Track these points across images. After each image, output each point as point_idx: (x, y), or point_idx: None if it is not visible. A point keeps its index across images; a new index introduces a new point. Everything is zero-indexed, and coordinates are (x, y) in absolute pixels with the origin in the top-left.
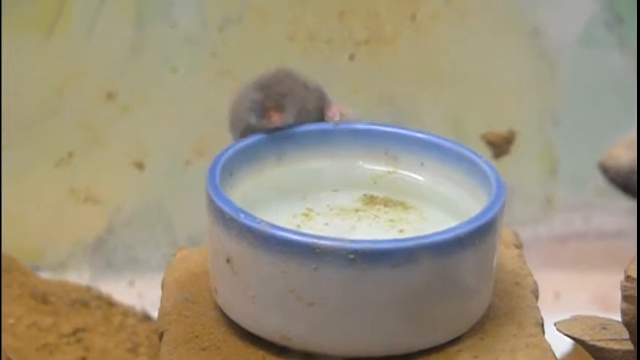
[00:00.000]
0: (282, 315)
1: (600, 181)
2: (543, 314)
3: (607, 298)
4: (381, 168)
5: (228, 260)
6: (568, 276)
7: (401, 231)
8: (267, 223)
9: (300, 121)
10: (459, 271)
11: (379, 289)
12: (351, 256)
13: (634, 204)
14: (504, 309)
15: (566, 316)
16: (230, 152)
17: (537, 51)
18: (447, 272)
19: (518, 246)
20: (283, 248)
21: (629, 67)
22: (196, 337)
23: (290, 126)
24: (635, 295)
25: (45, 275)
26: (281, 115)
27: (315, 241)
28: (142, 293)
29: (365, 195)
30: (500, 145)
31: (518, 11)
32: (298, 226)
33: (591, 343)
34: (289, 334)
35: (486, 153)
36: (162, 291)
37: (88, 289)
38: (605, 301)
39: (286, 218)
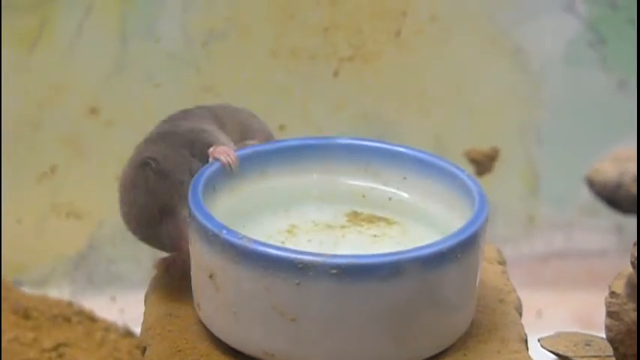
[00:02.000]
0: (265, 330)
1: (582, 199)
2: (525, 332)
3: (588, 316)
4: (364, 183)
5: (210, 276)
6: (550, 294)
7: (384, 246)
8: (250, 239)
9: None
10: (442, 286)
11: (362, 304)
12: (334, 271)
13: (615, 222)
14: (488, 325)
15: (549, 333)
16: (213, 167)
17: (520, 69)
18: (430, 287)
19: (502, 262)
20: (266, 264)
21: (612, 85)
22: (179, 351)
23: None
24: (619, 311)
25: (27, 290)
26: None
27: (298, 256)
28: (123, 309)
29: (348, 210)
30: (483, 163)
31: (502, 29)
32: (282, 242)
33: (575, 359)
34: (272, 349)
35: (469, 170)
36: (145, 306)
37: (70, 304)
38: (586, 318)
39: (269, 234)
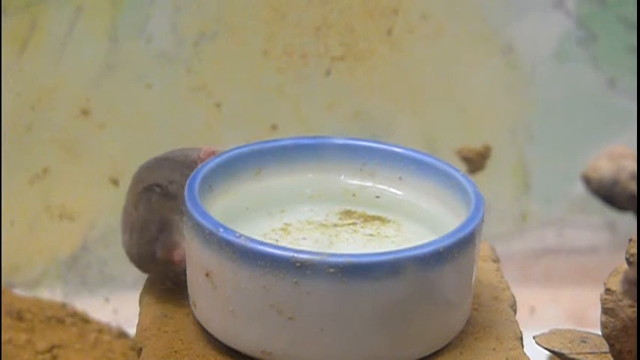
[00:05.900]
0: (263, 329)
1: (574, 196)
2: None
3: (581, 312)
4: (359, 182)
5: (207, 274)
6: (542, 291)
7: (380, 245)
8: (247, 238)
9: None
10: (439, 285)
11: (359, 303)
12: (332, 270)
13: (607, 219)
14: (483, 323)
15: (542, 330)
16: (209, 166)
17: (511, 66)
18: (427, 286)
19: (496, 260)
20: (263, 262)
21: (602, 82)
22: (175, 352)
23: None
24: (615, 308)
25: (20, 292)
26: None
27: (295, 255)
28: (117, 310)
29: (343, 209)
30: (475, 161)
31: (492, 27)
32: (277, 240)
33: (570, 356)
34: (269, 348)
35: (461, 168)
36: (140, 306)
37: (63, 305)
38: (579, 315)
39: (265, 232)
